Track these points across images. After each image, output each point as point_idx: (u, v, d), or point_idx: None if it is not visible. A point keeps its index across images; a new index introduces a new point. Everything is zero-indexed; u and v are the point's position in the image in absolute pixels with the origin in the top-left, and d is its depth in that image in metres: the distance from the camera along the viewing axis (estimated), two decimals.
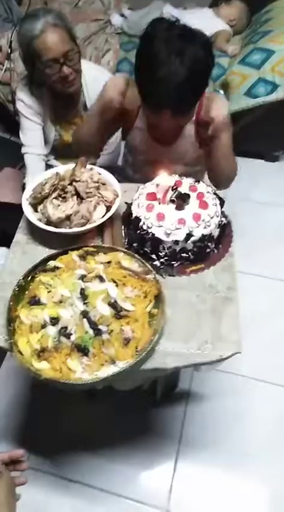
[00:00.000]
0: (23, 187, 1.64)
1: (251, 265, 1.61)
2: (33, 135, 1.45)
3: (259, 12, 2.05)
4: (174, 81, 0.84)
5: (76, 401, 1.26)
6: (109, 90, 0.97)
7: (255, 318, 1.39)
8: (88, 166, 1.00)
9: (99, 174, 0.99)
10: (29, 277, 0.84)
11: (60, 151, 1.51)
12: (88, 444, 1.20)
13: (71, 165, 1.01)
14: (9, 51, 1.98)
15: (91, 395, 1.23)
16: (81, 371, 0.70)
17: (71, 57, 1.17)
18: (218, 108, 0.96)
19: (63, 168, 1.00)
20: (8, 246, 1.80)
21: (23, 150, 1.50)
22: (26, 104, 1.37)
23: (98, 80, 1.36)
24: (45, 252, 0.92)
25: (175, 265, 0.89)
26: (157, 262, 0.89)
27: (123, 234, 0.95)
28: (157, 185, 0.89)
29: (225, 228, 0.94)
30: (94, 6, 2.20)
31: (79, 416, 1.25)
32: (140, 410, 1.25)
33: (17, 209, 1.83)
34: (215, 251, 0.92)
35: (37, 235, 0.96)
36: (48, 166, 1.51)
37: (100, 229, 0.96)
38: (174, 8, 2.12)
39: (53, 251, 0.90)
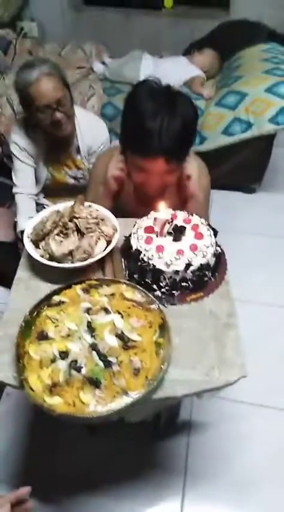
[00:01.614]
0: (14, 226, 1.67)
1: (239, 291, 1.66)
2: (25, 176, 1.50)
3: (229, 59, 2.25)
4: (168, 125, 0.89)
5: (77, 439, 1.23)
6: (111, 172, 1.07)
7: (248, 343, 1.42)
8: (86, 203, 1.05)
9: (97, 210, 1.04)
10: (35, 313, 0.85)
11: (50, 190, 1.56)
12: (91, 483, 1.16)
13: (69, 203, 1.05)
14: None
15: (92, 431, 1.21)
16: (94, 404, 0.70)
17: (63, 103, 1.26)
18: (193, 166, 1.04)
19: (62, 206, 1.04)
20: (1, 282, 1.78)
21: (14, 190, 1.54)
22: (19, 147, 1.43)
23: (92, 127, 1.45)
24: (48, 287, 0.94)
25: (176, 294, 0.93)
26: (158, 293, 0.92)
27: (123, 266, 0.99)
28: (155, 219, 0.94)
29: (220, 257, 1.00)
30: (76, 56, 2.35)
31: (80, 454, 1.22)
32: (142, 444, 1.23)
33: (7, 246, 1.85)
34: (212, 279, 0.96)
35: (39, 271, 0.98)
36: (38, 204, 1.56)
37: (100, 263, 0.99)
38: (150, 57, 2.30)
39: (55, 286, 0.92)
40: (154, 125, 0.89)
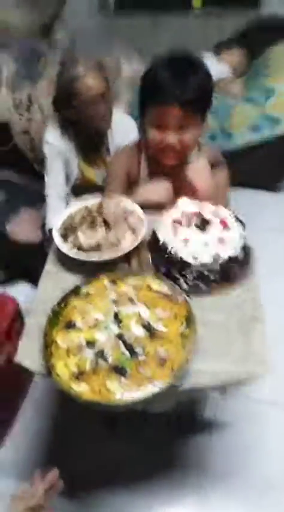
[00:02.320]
0: (43, 226, 1.71)
1: (263, 289, 1.62)
2: (57, 176, 1.53)
3: (259, 56, 2.22)
4: (183, 76, 0.93)
5: (96, 437, 1.24)
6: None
7: (270, 344, 1.38)
8: (114, 197, 1.06)
9: (125, 204, 1.04)
10: (63, 304, 0.86)
11: (80, 190, 1.59)
12: (109, 478, 1.16)
13: (97, 198, 1.07)
14: (28, 104, 2.15)
15: (112, 426, 1.21)
16: (120, 392, 0.70)
17: (107, 97, 1.31)
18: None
19: (91, 201, 1.06)
20: (28, 280, 1.84)
21: (46, 189, 1.58)
22: (52, 146, 1.47)
23: (124, 126, 1.48)
24: (76, 279, 0.95)
25: (202, 287, 0.91)
26: (184, 285, 0.92)
27: (150, 260, 0.99)
28: (182, 212, 0.94)
29: (248, 250, 0.98)
30: (106, 60, 2.39)
31: (100, 450, 1.22)
32: (162, 442, 1.22)
33: (35, 247, 1.90)
34: (240, 273, 0.95)
35: (66, 265, 1.00)
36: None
37: (127, 256, 0.99)
38: None
39: (83, 279, 0.93)
40: (167, 74, 0.93)
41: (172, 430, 1.23)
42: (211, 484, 1.15)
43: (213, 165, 1.14)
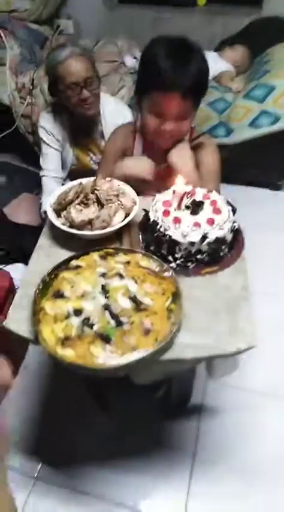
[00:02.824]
0: (40, 209, 1.73)
1: (258, 283, 1.64)
2: (51, 160, 1.56)
3: (260, 55, 2.24)
4: (182, 64, 0.94)
5: (89, 415, 1.26)
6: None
7: (265, 335, 1.41)
8: (108, 178, 1.08)
9: (118, 185, 1.06)
10: (53, 275, 0.88)
11: (75, 175, 1.61)
12: (101, 457, 1.18)
13: (92, 178, 1.09)
14: (31, 88, 2.17)
15: (104, 406, 1.23)
16: (104, 357, 0.72)
17: (91, 82, 1.32)
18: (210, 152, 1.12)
19: (86, 180, 1.08)
20: (25, 263, 1.85)
21: (41, 173, 1.60)
22: (47, 131, 1.49)
23: (116, 111, 1.50)
24: (67, 254, 0.97)
25: (191, 266, 0.94)
26: (173, 264, 0.93)
27: (140, 239, 1.01)
28: (174, 192, 0.96)
29: (237, 234, 1.00)
30: (109, 50, 2.41)
31: (92, 430, 1.24)
32: (152, 423, 1.24)
33: (34, 229, 1.93)
34: (229, 255, 0.97)
35: (60, 239, 1.02)
36: None
37: (119, 235, 1.01)
38: None
39: (74, 253, 0.95)
40: (169, 62, 0.94)
41: (162, 413, 1.25)
42: (200, 468, 1.17)
43: (200, 148, 1.15)
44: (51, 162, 1.58)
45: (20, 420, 1.29)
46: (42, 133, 1.54)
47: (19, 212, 2.02)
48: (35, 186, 2.07)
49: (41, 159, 1.61)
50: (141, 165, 1.13)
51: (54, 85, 1.36)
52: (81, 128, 1.46)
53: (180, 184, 0.96)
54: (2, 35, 2.24)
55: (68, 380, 1.32)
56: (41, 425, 1.28)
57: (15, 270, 1.59)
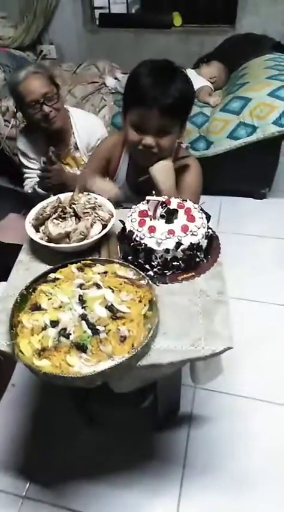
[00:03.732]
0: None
1: (245, 291, 1.67)
2: (32, 177, 1.60)
3: (236, 69, 2.33)
4: (164, 84, 0.99)
5: (76, 430, 1.25)
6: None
7: (252, 340, 1.42)
8: (85, 192, 1.11)
9: (96, 198, 1.09)
10: (31, 289, 0.89)
11: (55, 190, 1.64)
12: (90, 472, 1.16)
13: (70, 193, 1.11)
14: (15, 111, 2.22)
15: (90, 421, 1.22)
16: (79, 366, 0.73)
17: (50, 98, 1.38)
18: (192, 161, 1.16)
19: (64, 195, 1.10)
20: None
21: (25, 182, 1.65)
22: (22, 152, 1.55)
23: (87, 123, 1.55)
24: (47, 268, 0.98)
25: (168, 274, 0.95)
26: (150, 272, 0.95)
27: (118, 250, 1.02)
28: (148, 201, 0.98)
29: (213, 241, 1.02)
30: (90, 72, 2.49)
31: (80, 444, 1.23)
32: (141, 435, 1.23)
33: (19, 249, 1.94)
34: (205, 261, 0.98)
35: (39, 254, 1.03)
36: None
37: (97, 247, 1.03)
38: None
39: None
40: (150, 80, 0.99)
41: (152, 425, 1.24)
42: (191, 476, 1.15)
43: (185, 168, 1.19)
44: (32, 178, 1.62)
45: (7, 437, 1.27)
46: (19, 155, 1.60)
47: (6, 232, 2.03)
48: (22, 207, 2.09)
49: (23, 177, 1.66)
50: (107, 186, 1.18)
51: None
52: (54, 142, 1.50)
53: (154, 196, 0.99)
54: None
55: (56, 396, 1.31)
56: (29, 443, 1.26)
57: (0, 289, 1.60)
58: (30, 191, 1.60)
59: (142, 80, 1.01)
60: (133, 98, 1.05)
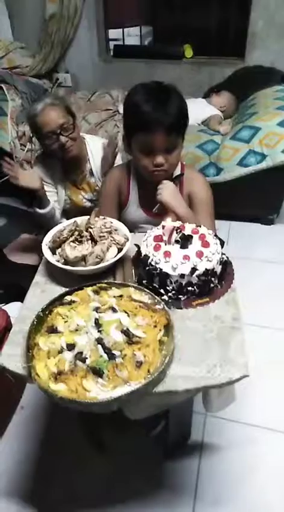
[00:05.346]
0: (41, 251, 1.78)
1: (255, 317, 1.66)
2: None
3: (245, 99, 2.40)
4: (163, 106, 1.03)
5: (85, 455, 1.22)
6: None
7: (262, 367, 1.40)
8: (101, 216, 1.13)
9: (111, 222, 1.11)
10: (47, 311, 0.90)
11: (70, 214, 1.67)
12: (99, 501, 1.13)
13: (86, 217, 1.14)
14: (31, 135, 2.30)
15: (100, 446, 1.20)
16: (96, 391, 0.72)
17: (66, 128, 1.42)
18: (201, 183, 1.19)
19: (80, 219, 1.12)
20: (22, 301, 1.87)
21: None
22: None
23: (102, 148, 1.59)
24: (62, 290, 0.99)
25: (182, 299, 0.96)
26: (165, 297, 0.96)
27: (133, 273, 1.04)
28: (163, 227, 1.00)
29: (226, 266, 1.03)
30: (104, 100, 2.58)
31: (89, 471, 1.20)
32: (152, 464, 1.20)
33: (33, 269, 1.97)
34: (219, 287, 0.99)
35: (55, 276, 1.05)
36: None
37: (112, 270, 1.04)
38: None
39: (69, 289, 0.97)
40: (150, 105, 1.03)
41: (162, 453, 1.21)
42: (203, 507, 1.12)
43: (190, 180, 1.23)
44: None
45: (15, 462, 1.24)
46: None
47: (19, 252, 2.06)
48: (35, 228, 2.13)
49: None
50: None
51: (35, 136, 1.48)
52: (70, 169, 1.55)
53: (168, 221, 1.01)
54: (4, 88, 2.41)
55: (65, 420, 1.29)
56: (37, 468, 1.23)
57: (13, 309, 1.61)
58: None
59: (142, 106, 1.05)
60: (136, 124, 1.08)
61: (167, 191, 1.15)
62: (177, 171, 1.23)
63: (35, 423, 1.34)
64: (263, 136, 1.97)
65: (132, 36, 3.15)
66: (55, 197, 1.61)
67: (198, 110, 2.38)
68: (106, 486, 1.16)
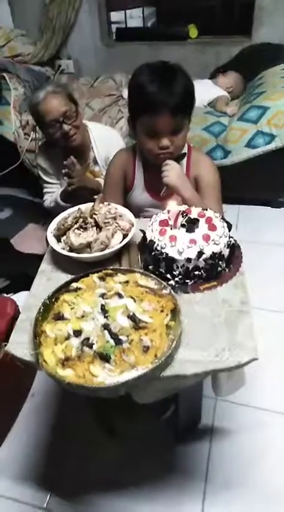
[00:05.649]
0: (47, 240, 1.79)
1: (265, 301, 1.64)
2: (51, 190, 1.63)
3: (253, 79, 2.33)
4: (168, 86, 1.00)
5: (96, 441, 1.23)
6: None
7: (272, 351, 1.38)
8: (106, 202, 1.12)
9: (116, 208, 1.10)
10: (53, 298, 0.90)
11: (76, 196, 1.66)
12: (110, 484, 1.15)
13: (91, 204, 1.12)
14: (34, 124, 2.28)
15: (111, 431, 1.21)
16: (103, 376, 0.72)
17: (69, 116, 1.40)
18: (208, 166, 1.16)
19: (85, 206, 1.11)
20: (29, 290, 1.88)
21: (45, 197, 1.67)
22: (42, 168, 1.58)
23: (106, 137, 1.57)
24: (68, 278, 0.99)
25: (189, 283, 0.94)
26: (172, 282, 0.94)
27: (139, 259, 1.03)
28: (169, 211, 0.98)
29: (234, 250, 1.01)
30: (107, 85, 2.54)
31: (100, 456, 1.21)
32: (163, 448, 1.21)
33: (39, 258, 1.98)
34: (227, 270, 0.97)
35: (60, 264, 1.04)
36: None
37: (118, 256, 1.03)
38: None
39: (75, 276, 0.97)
40: (155, 86, 1.00)
41: (173, 437, 1.22)
42: (214, 490, 1.12)
43: (197, 163, 1.21)
44: (52, 192, 1.65)
45: (27, 449, 1.27)
46: (40, 171, 1.63)
47: (25, 242, 2.07)
48: (41, 217, 2.13)
49: (43, 192, 1.69)
50: None
51: (39, 124, 1.45)
52: (74, 157, 1.53)
53: (173, 205, 0.99)
54: (7, 77, 2.38)
55: (76, 406, 1.30)
56: (49, 454, 1.26)
57: (22, 299, 1.62)
58: (52, 205, 1.63)
59: (147, 86, 1.02)
60: (141, 106, 1.06)
61: (173, 173, 1.12)
62: None
63: (45, 410, 1.35)
64: (271, 116, 1.91)
65: (134, 18, 3.07)
66: (57, 190, 1.60)
67: (204, 91, 2.32)
68: (117, 470, 1.18)
